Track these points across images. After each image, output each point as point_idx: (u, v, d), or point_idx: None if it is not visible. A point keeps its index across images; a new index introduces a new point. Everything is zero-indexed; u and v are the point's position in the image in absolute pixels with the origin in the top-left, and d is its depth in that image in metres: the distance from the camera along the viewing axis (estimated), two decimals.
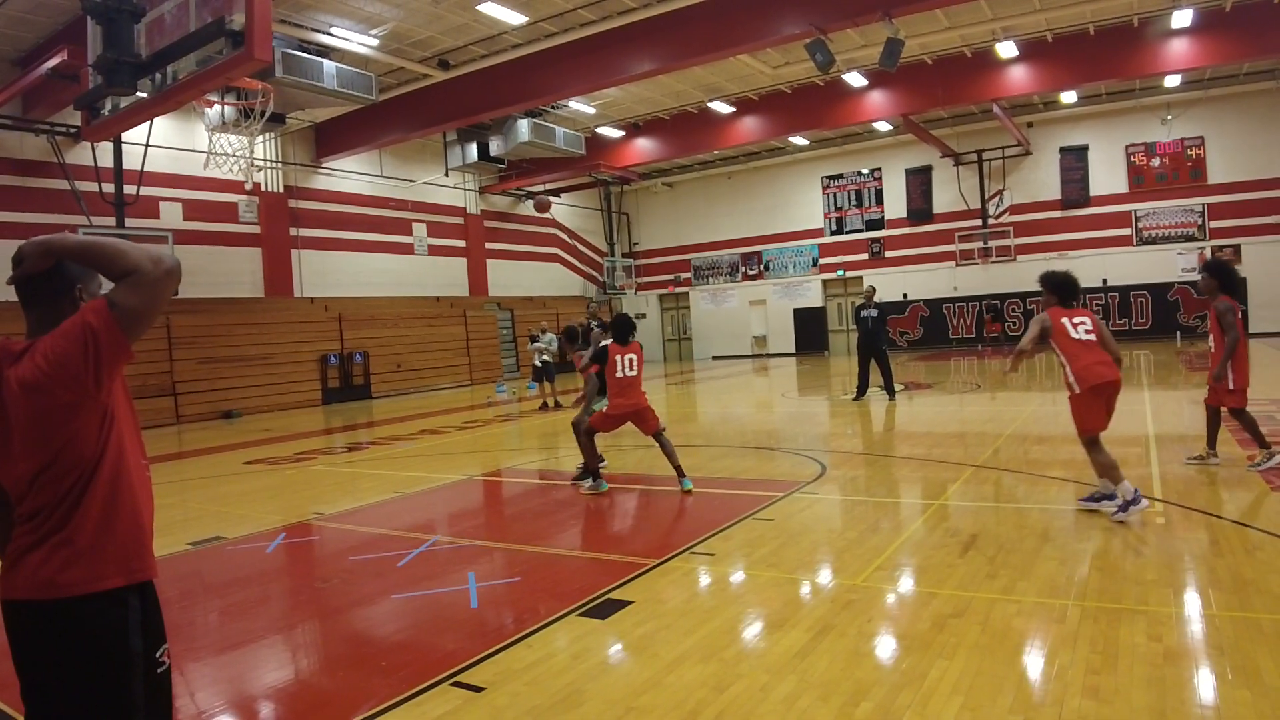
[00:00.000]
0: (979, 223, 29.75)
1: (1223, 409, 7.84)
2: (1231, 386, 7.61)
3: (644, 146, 27.66)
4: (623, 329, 8.73)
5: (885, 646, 4.20)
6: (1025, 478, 7.92)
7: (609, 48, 18.06)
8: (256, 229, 23.17)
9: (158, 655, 2.23)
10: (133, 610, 2.18)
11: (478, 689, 3.95)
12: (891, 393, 15.36)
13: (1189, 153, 27.04)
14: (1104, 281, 27.79)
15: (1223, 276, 7.76)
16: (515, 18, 17.28)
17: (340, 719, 3.76)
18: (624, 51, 17.95)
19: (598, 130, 26.95)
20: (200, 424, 19.94)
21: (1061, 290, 6.71)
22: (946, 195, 30.56)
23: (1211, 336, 7.87)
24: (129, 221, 17.89)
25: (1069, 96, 26.48)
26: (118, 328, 2.11)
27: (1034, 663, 3.85)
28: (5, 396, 2.13)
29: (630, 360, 8.57)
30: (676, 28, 17.22)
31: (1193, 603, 4.50)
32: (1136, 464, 8.17)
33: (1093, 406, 6.39)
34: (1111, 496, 6.24)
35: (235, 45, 8.79)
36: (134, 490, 2.27)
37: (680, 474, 8.35)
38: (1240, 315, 7.73)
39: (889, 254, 31.89)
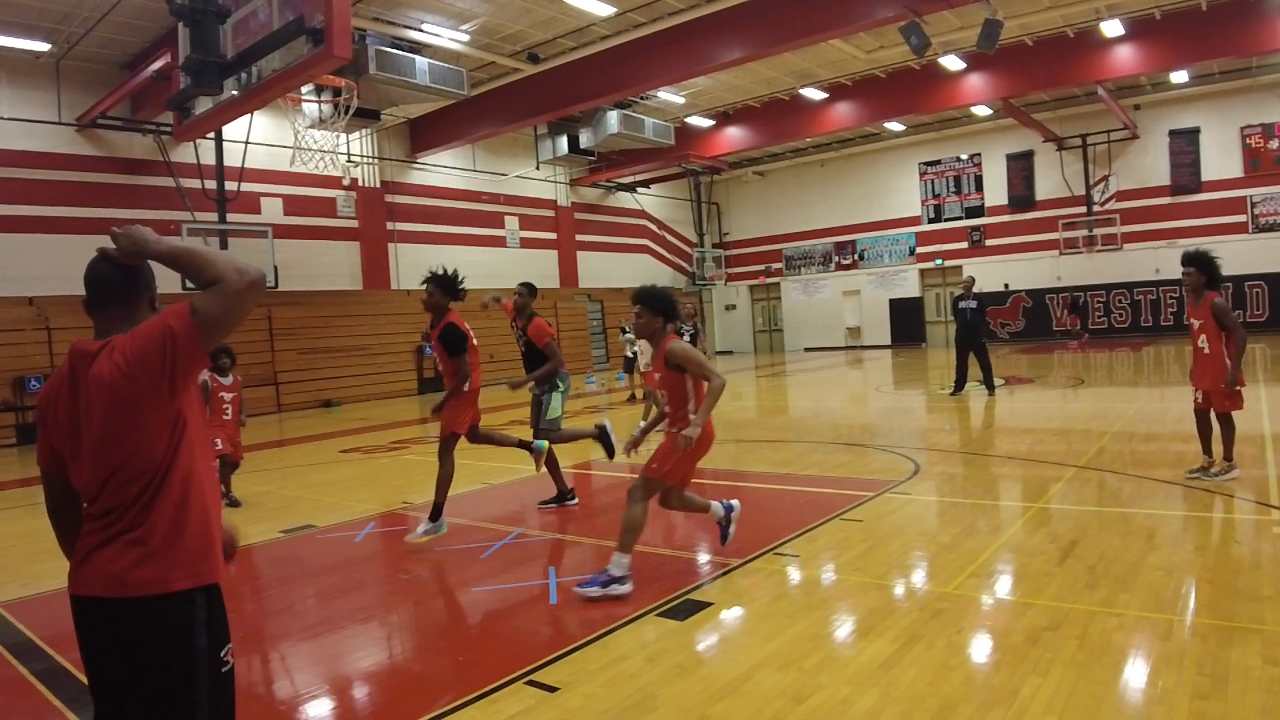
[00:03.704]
0: (1083, 210, 28.57)
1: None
2: (1243, 385, 7.09)
3: (734, 135, 27.36)
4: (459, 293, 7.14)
5: (975, 660, 4.00)
6: (1131, 479, 7.53)
7: (698, 36, 17.88)
8: (354, 223, 23.79)
9: (222, 655, 2.24)
10: (199, 609, 2.19)
11: (552, 689, 3.91)
12: (991, 387, 14.86)
13: None
14: None
15: (1211, 270, 7.14)
16: (604, 9, 17.25)
17: (417, 713, 3.76)
18: (713, 39, 17.75)
19: (687, 120, 26.76)
20: (301, 412, 20.57)
21: (671, 310, 5.52)
22: (1049, 181, 29.42)
23: (1205, 338, 7.19)
24: (231, 217, 18.54)
25: (1179, 76, 25.14)
26: (197, 334, 2.12)
27: (1135, 683, 3.61)
28: (81, 397, 2.16)
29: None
30: (766, 13, 16.94)
31: None
32: (1250, 465, 7.68)
33: (695, 458, 5.51)
34: (622, 580, 5.13)
35: (316, 43, 8.94)
36: (204, 493, 2.27)
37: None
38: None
39: (989, 242, 30.90)
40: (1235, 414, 7.22)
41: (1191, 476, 7.25)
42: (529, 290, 7.98)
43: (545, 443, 7.62)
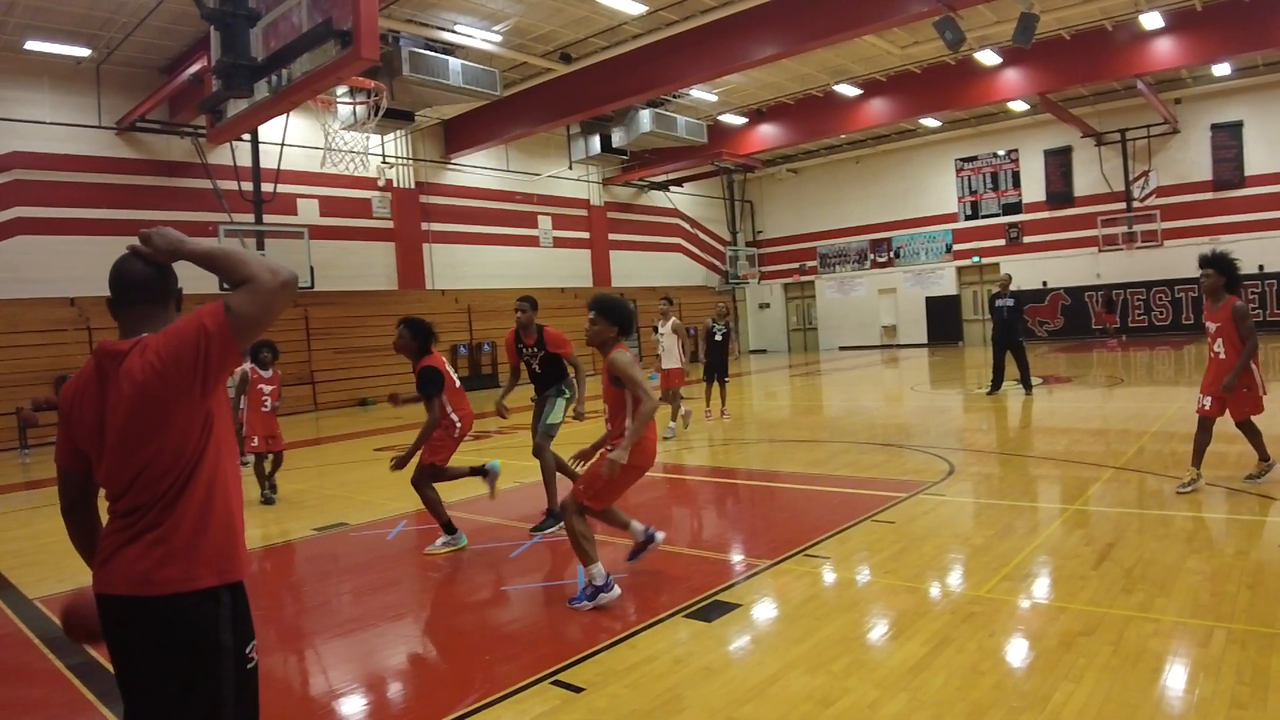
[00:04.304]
0: (1123, 206, 28.03)
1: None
2: (1264, 392, 6.85)
3: (767, 133, 27.19)
4: (431, 337, 6.87)
5: (1006, 665, 3.93)
6: (1170, 480, 7.37)
7: (730, 33, 17.80)
8: (390, 224, 24.02)
9: (247, 651, 2.26)
10: (224, 606, 2.21)
11: (577, 689, 3.91)
12: (1028, 386, 14.67)
13: None
14: (1260, 268, 25.66)
15: (1231, 272, 6.85)
16: (635, 7, 17.23)
17: (443, 711, 3.77)
18: (745, 36, 17.66)
19: (720, 118, 26.65)
20: (336, 411, 20.77)
21: (628, 323, 5.29)
22: (1088, 177, 28.94)
23: (1222, 342, 6.88)
24: (267, 218, 18.72)
25: (1221, 69, 24.53)
26: (231, 333, 2.14)
27: (1171, 691, 3.53)
28: (110, 396, 2.17)
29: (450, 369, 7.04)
30: (799, 10, 16.83)
31: None
32: None
33: (628, 480, 5.29)
34: (606, 588, 5.03)
35: (344, 45, 9.00)
36: (229, 492, 2.29)
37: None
38: None
39: (1027, 239, 30.45)
40: (1260, 417, 7.01)
41: (1183, 491, 6.91)
42: (532, 305, 7.50)
43: (498, 463, 7.30)
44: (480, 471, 7.17)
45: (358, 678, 4.38)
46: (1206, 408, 7.03)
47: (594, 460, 5.29)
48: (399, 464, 6.53)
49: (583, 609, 5.00)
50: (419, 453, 6.70)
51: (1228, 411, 7.00)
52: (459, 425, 6.88)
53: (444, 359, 6.96)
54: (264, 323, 2.22)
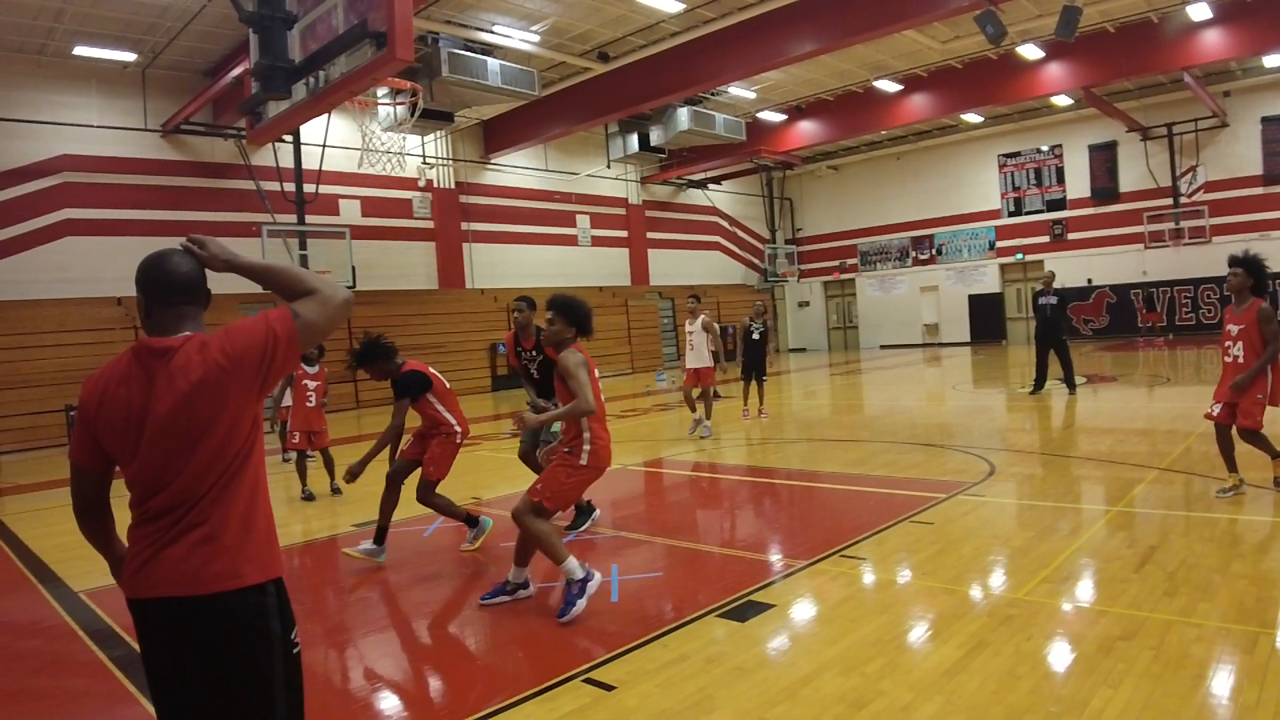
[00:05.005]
0: (1170, 202, 27.49)
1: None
2: (1275, 404, 6.58)
3: (807, 129, 27.02)
4: (391, 352, 6.80)
5: (1043, 669, 3.87)
6: (1216, 482, 7.20)
7: (768, 29, 17.71)
8: (430, 224, 24.25)
9: (292, 637, 2.29)
10: (270, 596, 2.23)
11: (609, 688, 3.91)
12: (1072, 386, 14.44)
13: None
14: None
15: (1260, 274, 6.62)
16: (673, 5, 17.20)
17: (474, 708, 3.80)
18: (784, 33, 17.56)
19: (758, 115, 26.54)
20: (379, 408, 20.95)
21: (586, 324, 5.24)
22: (1134, 172, 28.39)
23: (1241, 346, 6.61)
24: (309, 218, 18.96)
25: (1272, 60, 23.84)
26: (297, 339, 2.22)
27: (1214, 699, 3.45)
28: (156, 393, 2.15)
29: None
30: (838, 5, 16.69)
31: None
32: None
33: (583, 482, 5.22)
34: (587, 578, 4.95)
35: (379, 46, 9.09)
36: (267, 490, 2.32)
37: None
38: None
39: (1072, 236, 29.96)
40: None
41: (1223, 495, 6.73)
42: (529, 305, 7.24)
43: (490, 521, 6.96)
44: (474, 522, 6.86)
45: (393, 672, 4.44)
46: (1215, 414, 6.81)
47: (554, 461, 5.25)
48: (352, 475, 6.49)
49: (576, 611, 4.84)
50: (423, 468, 6.74)
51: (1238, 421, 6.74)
52: (459, 431, 6.80)
53: (427, 365, 6.86)
54: (325, 333, 2.31)
